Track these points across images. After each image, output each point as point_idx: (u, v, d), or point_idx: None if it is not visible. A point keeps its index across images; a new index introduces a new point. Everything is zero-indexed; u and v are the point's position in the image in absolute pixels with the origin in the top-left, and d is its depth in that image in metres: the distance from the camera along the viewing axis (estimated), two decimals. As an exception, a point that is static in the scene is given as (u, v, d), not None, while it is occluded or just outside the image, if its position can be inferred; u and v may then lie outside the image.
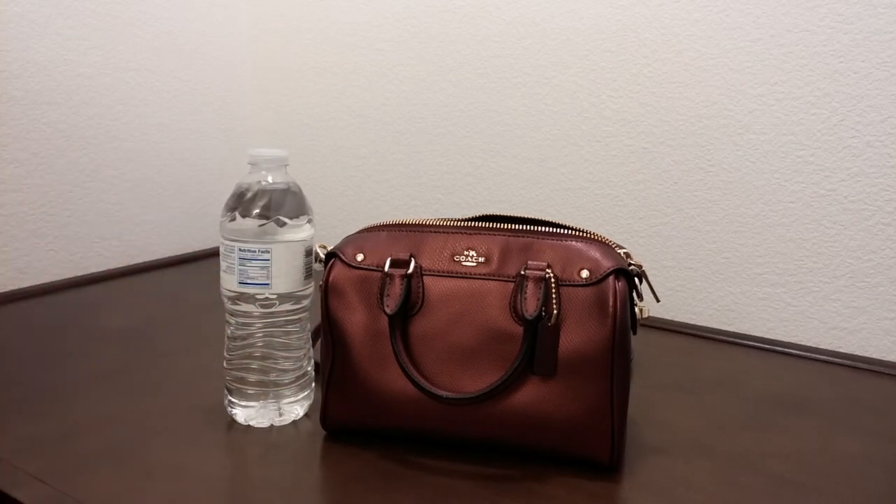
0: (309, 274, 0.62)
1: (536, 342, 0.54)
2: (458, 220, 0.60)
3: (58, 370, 0.73)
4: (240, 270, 0.59)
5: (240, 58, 1.28)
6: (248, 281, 0.59)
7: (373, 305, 0.57)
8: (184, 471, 0.55)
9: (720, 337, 0.88)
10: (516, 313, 0.55)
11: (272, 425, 0.62)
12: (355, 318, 0.57)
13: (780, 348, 0.85)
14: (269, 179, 0.61)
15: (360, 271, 0.58)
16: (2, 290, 0.97)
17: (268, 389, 0.62)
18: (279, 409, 0.62)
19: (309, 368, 0.65)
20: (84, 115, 1.04)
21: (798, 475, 0.57)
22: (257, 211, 0.59)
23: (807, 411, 0.69)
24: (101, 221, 1.09)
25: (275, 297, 0.60)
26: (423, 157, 1.13)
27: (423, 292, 0.56)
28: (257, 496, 0.52)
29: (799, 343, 0.87)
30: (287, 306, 0.61)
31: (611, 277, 0.54)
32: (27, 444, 0.58)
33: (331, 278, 0.58)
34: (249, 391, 0.62)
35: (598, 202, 0.99)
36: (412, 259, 0.57)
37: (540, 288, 0.54)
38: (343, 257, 0.59)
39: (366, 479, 0.54)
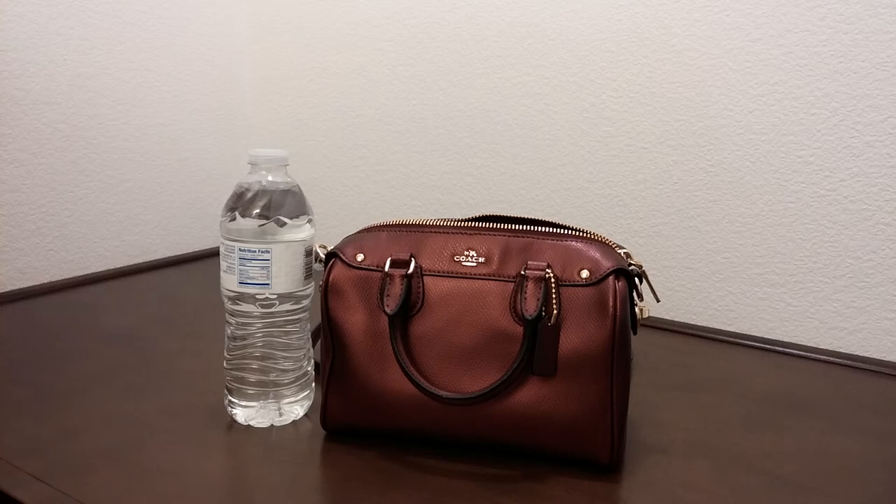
0: (309, 274, 0.62)
1: (536, 342, 0.54)
2: (458, 220, 0.60)
3: (58, 370, 0.73)
4: (240, 270, 0.59)
5: (240, 57, 1.28)
6: (248, 281, 0.59)
7: (373, 305, 0.57)
8: (184, 471, 0.55)
9: (720, 337, 0.88)
10: (516, 313, 0.55)
11: (272, 425, 0.62)
12: (355, 318, 0.57)
13: (779, 348, 0.85)
14: (269, 179, 0.61)
15: (361, 271, 0.58)
16: (2, 290, 0.97)
17: (268, 389, 0.62)
18: (279, 409, 0.62)
19: (309, 368, 0.65)
20: (84, 115, 1.04)
21: (798, 475, 0.57)
22: (257, 211, 0.59)
23: (807, 411, 0.69)
24: (101, 221, 1.09)
25: (275, 297, 0.60)
26: (423, 157, 1.13)
27: (424, 292, 0.56)
28: (257, 496, 0.52)
29: (799, 343, 0.87)
30: (287, 306, 0.61)
31: (611, 277, 0.54)
32: (27, 444, 0.58)
33: (331, 278, 0.58)
34: (249, 391, 0.62)
35: (598, 202, 0.99)
36: (412, 259, 0.57)
37: (540, 288, 0.54)
38: (343, 257, 0.59)
39: (366, 479, 0.54)
